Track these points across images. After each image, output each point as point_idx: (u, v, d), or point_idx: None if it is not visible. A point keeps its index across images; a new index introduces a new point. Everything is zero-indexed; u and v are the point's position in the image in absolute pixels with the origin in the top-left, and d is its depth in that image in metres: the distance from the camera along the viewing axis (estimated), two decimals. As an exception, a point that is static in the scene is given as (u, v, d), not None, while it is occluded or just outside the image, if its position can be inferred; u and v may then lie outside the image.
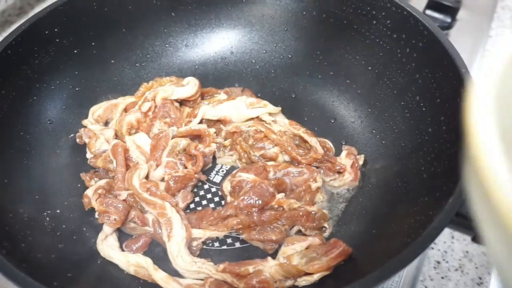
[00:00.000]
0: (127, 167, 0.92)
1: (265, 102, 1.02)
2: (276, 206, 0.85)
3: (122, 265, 0.82)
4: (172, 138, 0.96)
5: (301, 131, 0.97)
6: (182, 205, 0.90)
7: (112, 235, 0.86)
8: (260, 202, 0.84)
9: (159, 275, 0.79)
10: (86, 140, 0.98)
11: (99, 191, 0.88)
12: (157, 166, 0.92)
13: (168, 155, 0.93)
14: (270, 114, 1.01)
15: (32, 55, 0.95)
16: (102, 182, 0.90)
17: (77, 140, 1.00)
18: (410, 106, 0.95)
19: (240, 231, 0.84)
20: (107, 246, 0.84)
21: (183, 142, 0.95)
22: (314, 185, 0.90)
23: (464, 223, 0.69)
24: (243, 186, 0.88)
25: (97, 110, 1.02)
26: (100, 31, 1.06)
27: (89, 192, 0.89)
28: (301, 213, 0.85)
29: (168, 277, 0.79)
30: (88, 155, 0.97)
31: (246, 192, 0.86)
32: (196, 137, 0.99)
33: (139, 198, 0.87)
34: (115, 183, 0.90)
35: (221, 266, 0.79)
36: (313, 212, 0.86)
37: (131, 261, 0.81)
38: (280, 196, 0.86)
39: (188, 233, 0.84)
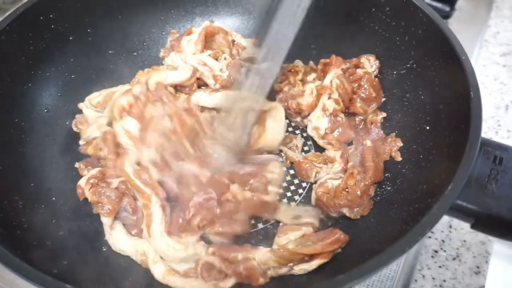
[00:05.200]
0: (118, 154, 0.91)
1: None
2: (231, 198, 0.83)
3: (133, 256, 0.81)
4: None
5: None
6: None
7: (117, 224, 0.85)
8: (218, 194, 0.82)
9: (157, 270, 0.78)
10: (79, 127, 0.97)
11: (91, 181, 0.87)
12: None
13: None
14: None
15: (26, 41, 0.94)
16: (95, 171, 0.89)
17: (73, 127, 0.99)
18: (408, 94, 0.94)
19: (206, 228, 0.81)
20: (116, 238, 0.83)
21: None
22: (269, 176, 0.88)
23: (463, 210, 0.68)
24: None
25: (97, 97, 1.01)
26: (96, 18, 1.04)
27: (81, 182, 0.88)
28: (256, 202, 0.83)
29: (167, 272, 0.78)
30: (81, 142, 0.96)
31: (200, 189, 0.84)
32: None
33: (131, 185, 0.86)
34: (107, 171, 0.89)
35: (211, 249, 0.78)
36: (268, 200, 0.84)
37: (139, 250, 0.81)
38: (234, 187, 0.84)
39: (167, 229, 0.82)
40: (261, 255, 0.77)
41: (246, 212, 0.82)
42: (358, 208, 0.84)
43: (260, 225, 0.87)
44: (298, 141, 0.99)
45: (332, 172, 0.91)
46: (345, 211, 0.84)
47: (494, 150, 0.73)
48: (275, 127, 0.95)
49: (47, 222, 0.82)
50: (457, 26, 1.36)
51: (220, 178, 0.84)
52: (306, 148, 0.99)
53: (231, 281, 0.76)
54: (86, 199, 0.88)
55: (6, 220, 0.76)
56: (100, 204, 0.84)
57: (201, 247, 0.80)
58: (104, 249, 0.84)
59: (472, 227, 0.71)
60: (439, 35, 0.86)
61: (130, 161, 0.88)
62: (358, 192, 0.84)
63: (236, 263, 0.76)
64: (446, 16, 1.37)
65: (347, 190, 0.85)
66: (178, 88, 1.03)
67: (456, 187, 0.66)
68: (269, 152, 0.96)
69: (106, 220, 0.84)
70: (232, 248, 0.79)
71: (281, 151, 0.97)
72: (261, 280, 0.75)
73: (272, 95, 1.01)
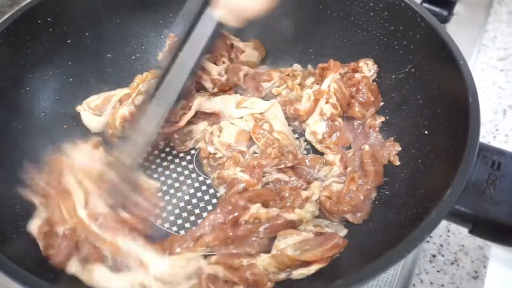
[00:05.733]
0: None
1: (253, 99, 1.00)
2: (252, 219, 0.81)
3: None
4: None
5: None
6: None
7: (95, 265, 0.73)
8: (230, 218, 0.80)
9: None
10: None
11: (44, 230, 0.75)
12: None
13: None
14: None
15: (24, 44, 0.93)
16: (41, 220, 0.77)
17: None
18: (406, 98, 0.94)
19: (216, 248, 0.78)
20: (100, 280, 0.71)
21: None
22: (304, 194, 0.87)
23: (462, 215, 0.68)
24: (235, 184, 0.87)
25: (96, 100, 1.01)
26: (94, 21, 1.04)
27: (33, 231, 0.76)
28: (279, 222, 0.80)
29: None
30: None
31: (213, 210, 0.82)
32: None
33: (87, 232, 0.74)
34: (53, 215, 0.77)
35: (213, 257, 0.77)
36: (292, 220, 0.81)
37: (135, 284, 0.72)
38: (255, 207, 0.82)
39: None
40: (261, 261, 0.76)
41: (267, 234, 0.79)
42: (360, 213, 0.84)
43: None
44: (301, 142, 0.99)
45: (331, 175, 0.91)
46: (348, 216, 0.84)
47: (492, 155, 0.73)
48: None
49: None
50: (455, 31, 1.36)
51: (236, 200, 0.82)
52: (305, 153, 0.99)
53: None
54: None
55: (3, 224, 0.76)
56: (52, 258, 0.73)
57: (201, 259, 0.77)
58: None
59: (470, 232, 0.71)
60: (437, 39, 0.86)
61: (80, 202, 0.77)
62: (361, 197, 0.84)
63: (241, 270, 0.75)
64: (444, 20, 1.38)
65: (350, 195, 0.84)
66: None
67: (455, 192, 0.66)
68: None
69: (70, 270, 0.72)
70: (236, 255, 0.78)
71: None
72: (269, 285, 0.74)
73: (269, 99, 1.01)
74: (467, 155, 0.68)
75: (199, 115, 1.01)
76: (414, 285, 0.91)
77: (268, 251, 0.79)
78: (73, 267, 0.73)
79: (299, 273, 0.76)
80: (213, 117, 1.01)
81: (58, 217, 0.75)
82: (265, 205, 0.85)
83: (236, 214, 0.81)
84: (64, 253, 0.72)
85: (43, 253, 0.75)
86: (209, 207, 0.90)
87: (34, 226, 0.77)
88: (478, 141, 0.70)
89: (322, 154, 0.96)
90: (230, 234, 0.79)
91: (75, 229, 0.75)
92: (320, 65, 1.03)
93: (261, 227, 0.79)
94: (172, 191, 0.94)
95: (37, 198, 0.80)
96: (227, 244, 0.79)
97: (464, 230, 0.98)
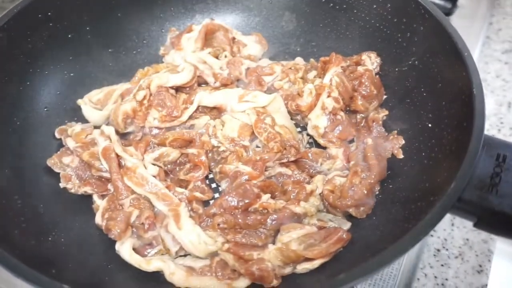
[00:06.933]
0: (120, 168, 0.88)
1: (255, 93, 0.99)
2: (260, 209, 0.82)
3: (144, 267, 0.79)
4: (161, 143, 0.93)
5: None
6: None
7: (128, 239, 0.82)
8: (242, 203, 0.81)
9: (177, 279, 0.76)
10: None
11: (106, 215, 0.83)
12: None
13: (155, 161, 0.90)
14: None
15: (24, 39, 0.93)
16: (104, 203, 0.86)
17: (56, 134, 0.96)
18: (410, 91, 0.93)
19: (226, 231, 0.80)
20: (125, 253, 0.80)
21: (174, 155, 0.91)
22: (308, 187, 0.86)
23: (466, 208, 0.67)
24: (237, 177, 0.87)
25: (98, 94, 1.00)
26: (95, 16, 1.03)
27: (97, 220, 0.85)
28: (286, 214, 0.81)
29: (185, 277, 0.76)
30: (70, 144, 0.92)
31: (229, 192, 0.83)
32: (187, 142, 0.94)
33: (156, 195, 0.84)
34: (114, 195, 0.86)
35: (226, 245, 0.78)
36: (298, 212, 0.82)
37: (151, 268, 0.79)
38: (265, 198, 0.83)
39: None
40: (268, 253, 0.76)
41: (274, 226, 0.80)
42: (363, 207, 0.83)
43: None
44: (304, 136, 0.99)
45: (335, 169, 0.91)
46: (351, 210, 0.83)
47: (497, 148, 0.72)
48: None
49: (46, 222, 0.81)
50: (459, 23, 1.35)
51: (251, 187, 0.83)
52: (307, 146, 0.98)
53: (245, 281, 0.75)
54: (85, 196, 0.87)
55: (5, 219, 0.75)
56: (111, 231, 0.82)
57: (220, 244, 0.79)
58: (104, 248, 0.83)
59: (475, 225, 0.70)
60: (441, 31, 0.85)
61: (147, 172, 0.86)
62: (364, 191, 0.83)
63: (250, 262, 0.75)
64: (448, 13, 1.36)
65: (353, 189, 0.84)
66: (178, 88, 1.02)
67: (459, 185, 0.65)
68: None
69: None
70: (248, 246, 0.78)
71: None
72: (275, 282, 0.74)
73: (270, 93, 1.01)
74: (472, 148, 0.67)
75: (201, 110, 1.00)
76: (418, 279, 0.91)
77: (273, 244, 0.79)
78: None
79: (303, 268, 0.76)
80: (214, 111, 1.00)
81: (120, 192, 0.85)
82: (272, 197, 0.85)
83: (248, 200, 0.81)
84: (123, 222, 0.81)
85: (104, 232, 0.82)
86: (211, 202, 0.90)
87: (98, 218, 0.84)
88: (483, 133, 0.69)
89: (324, 148, 0.95)
90: (240, 221, 0.80)
91: (139, 198, 0.85)
92: (322, 58, 1.02)
93: (268, 219, 0.80)
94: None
95: (92, 189, 0.88)
96: (236, 231, 0.80)
97: (468, 224, 0.98)
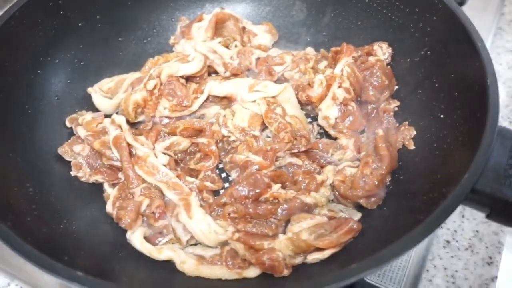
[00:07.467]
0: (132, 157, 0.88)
1: (266, 83, 0.99)
2: (271, 199, 0.82)
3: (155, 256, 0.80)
4: (172, 133, 0.93)
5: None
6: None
7: (139, 228, 0.83)
8: (253, 193, 0.81)
9: (188, 268, 0.77)
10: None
11: (117, 205, 0.84)
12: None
13: (166, 150, 0.91)
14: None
15: (36, 27, 0.93)
16: (115, 192, 0.86)
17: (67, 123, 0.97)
18: (422, 82, 0.93)
19: (236, 220, 0.81)
20: (136, 242, 0.81)
21: (184, 144, 0.91)
22: (319, 178, 0.86)
23: (479, 199, 0.67)
24: (248, 167, 0.87)
25: (108, 83, 1.01)
26: (105, 5, 1.03)
27: (108, 208, 0.85)
28: (296, 205, 0.81)
29: (196, 265, 0.77)
30: (81, 132, 0.92)
31: (239, 181, 0.84)
32: (198, 132, 0.94)
33: (167, 184, 0.85)
34: (125, 184, 0.87)
35: (237, 235, 0.78)
36: (309, 203, 0.82)
37: (162, 256, 0.79)
38: (276, 188, 0.83)
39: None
40: (278, 243, 0.76)
41: (284, 216, 0.80)
42: (374, 198, 0.83)
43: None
44: (315, 126, 0.98)
45: (345, 159, 0.90)
46: (362, 201, 0.83)
47: (511, 139, 0.71)
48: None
49: (58, 210, 0.82)
50: (471, 14, 1.31)
51: (261, 176, 0.83)
52: (318, 137, 0.98)
53: (256, 270, 0.75)
54: (95, 185, 0.88)
55: (17, 207, 0.76)
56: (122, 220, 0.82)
57: (230, 233, 0.80)
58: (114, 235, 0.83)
59: (488, 217, 0.70)
60: (454, 21, 0.84)
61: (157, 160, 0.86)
62: (376, 182, 0.83)
63: (261, 252, 0.75)
64: (460, 3, 1.34)
65: (364, 180, 0.83)
66: (189, 78, 1.02)
67: (472, 176, 0.65)
68: None
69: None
70: (258, 236, 0.78)
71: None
72: (285, 272, 0.74)
73: (281, 83, 1.00)
74: (485, 139, 0.67)
75: (211, 99, 1.00)
76: (427, 270, 0.91)
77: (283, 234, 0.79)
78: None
79: (313, 258, 0.76)
80: (225, 101, 1.00)
81: (131, 181, 0.85)
82: (283, 187, 0.85)
83: (259, 190, 0.81)
84: (133, 212, 0.81)
85: (115, 221, 0.82)
86: (221, 192, 0.90)
87: (109, 206, 0.85)
88: (497, 124, 0.68)
89: (335, 138, 0.95)
90: (250, 210, 0.80)
91: (150, 187, 0.85)
92: (333, 48, 1.02)
93: (279, 208, 0.80)
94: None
95: (103, 177, 0.88)
96: (246, 221, 0.80)
97: (478, 216, 0.97)
